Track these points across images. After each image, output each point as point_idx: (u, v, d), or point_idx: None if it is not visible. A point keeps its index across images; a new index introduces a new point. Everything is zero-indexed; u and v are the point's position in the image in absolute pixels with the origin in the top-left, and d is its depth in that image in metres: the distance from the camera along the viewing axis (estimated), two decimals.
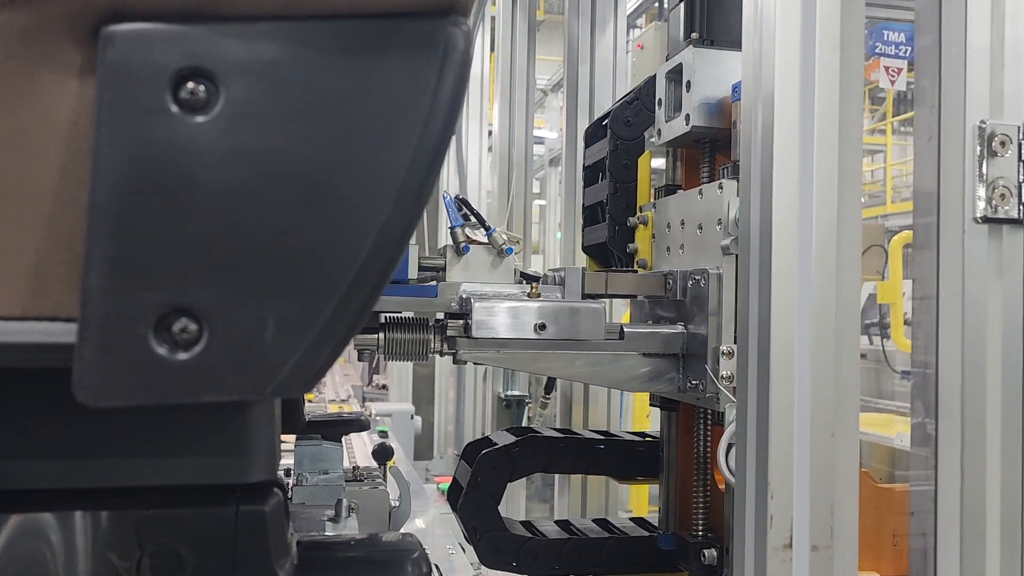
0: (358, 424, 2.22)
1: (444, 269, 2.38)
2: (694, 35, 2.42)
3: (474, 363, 2.33)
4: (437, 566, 2.35)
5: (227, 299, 0.79)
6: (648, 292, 2.49)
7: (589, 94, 4.16)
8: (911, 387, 1.94)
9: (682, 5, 2.52)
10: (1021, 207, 1.82)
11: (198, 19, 0.79)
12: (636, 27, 11.09)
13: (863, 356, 7.16)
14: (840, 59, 1.84)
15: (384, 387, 11.25)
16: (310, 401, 2.26)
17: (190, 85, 0.79)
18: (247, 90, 0.79)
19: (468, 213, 2.47)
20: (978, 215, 1.81)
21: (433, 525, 3.31)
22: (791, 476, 1.85)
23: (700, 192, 2.30)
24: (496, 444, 2.74)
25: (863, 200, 2.17)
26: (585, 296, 2.35)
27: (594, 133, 2.97)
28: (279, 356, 0.80)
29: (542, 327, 2.18)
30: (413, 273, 2.36)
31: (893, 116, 16.31)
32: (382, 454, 2.45)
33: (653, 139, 2.60)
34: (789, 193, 1.85)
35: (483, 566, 2.89)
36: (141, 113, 0.78)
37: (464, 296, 2.27)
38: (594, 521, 2.93)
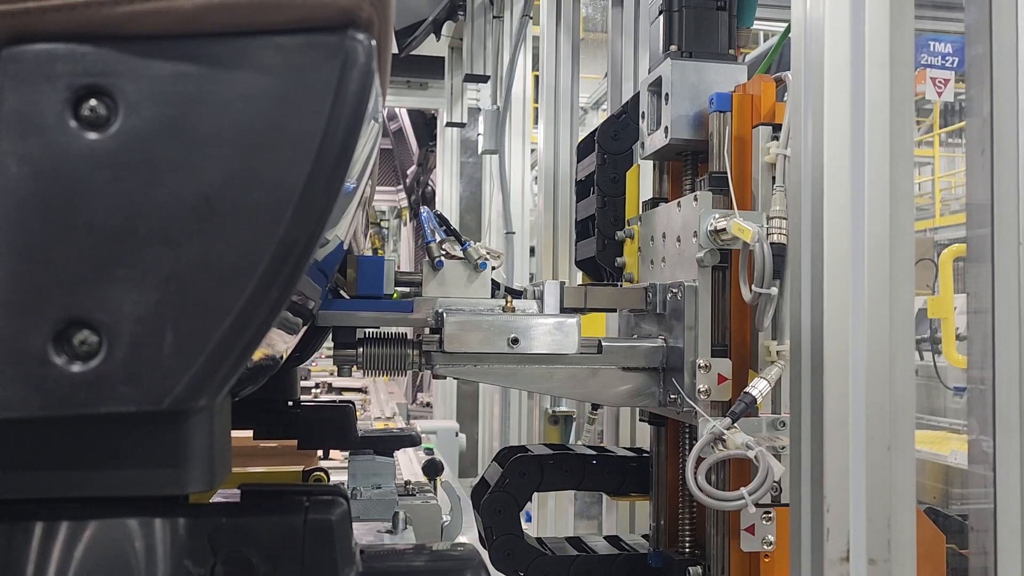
0: (409, 440, 2.17)
1: (421, 284, 2.28)
2: (672, 48, 2.26)
3: (452, 377, 2.23)
4: None
5: (126, 312, 0.75)
6: (628, 305, 2.34)
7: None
8: (967, 403, 1.77)
9: (661, 18, 2.36)
10: None
11: (98, 39, 0.75)
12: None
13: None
14: (890, 75, 1.69)
15: (428, 405, 11.17)
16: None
17: (91, 103, 0.75)
18: (146, 107, 0.75)
19: (447, 228, 2.38)
20: None
21: (478, 541, 3.22)
22: (847, 490, 1.71)
23: (679, 204, 2.15)
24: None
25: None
26: (564, 310, 2.22)
27: (585, 147, 2.85)
28: (177, 368, 0.75)
29: (515, 341, 2.06)
30: (389, 288, 2.26)
31: (940, 128, 15.21)
32: (432, 469, 2.39)
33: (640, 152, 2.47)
34: (841, 208, 1.71)
35: (494, 568, 2.80)
36: (42, 130, 0.74)
37: (439, 311, 2.16)
38: (605, 538, 2.79)
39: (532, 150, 6.66)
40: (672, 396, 2.09)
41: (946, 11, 8.77)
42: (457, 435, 7.54)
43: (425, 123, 12.12)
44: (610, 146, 2.62)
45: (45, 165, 0.74)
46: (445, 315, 2.09)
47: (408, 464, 3.46)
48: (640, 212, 2.54)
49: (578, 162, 2.89)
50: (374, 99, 0.79)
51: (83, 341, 0.74)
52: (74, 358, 0.74)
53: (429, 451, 3.80)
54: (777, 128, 2.06)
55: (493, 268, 2.28)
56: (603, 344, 2.18)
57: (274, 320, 0.77)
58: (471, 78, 7.68)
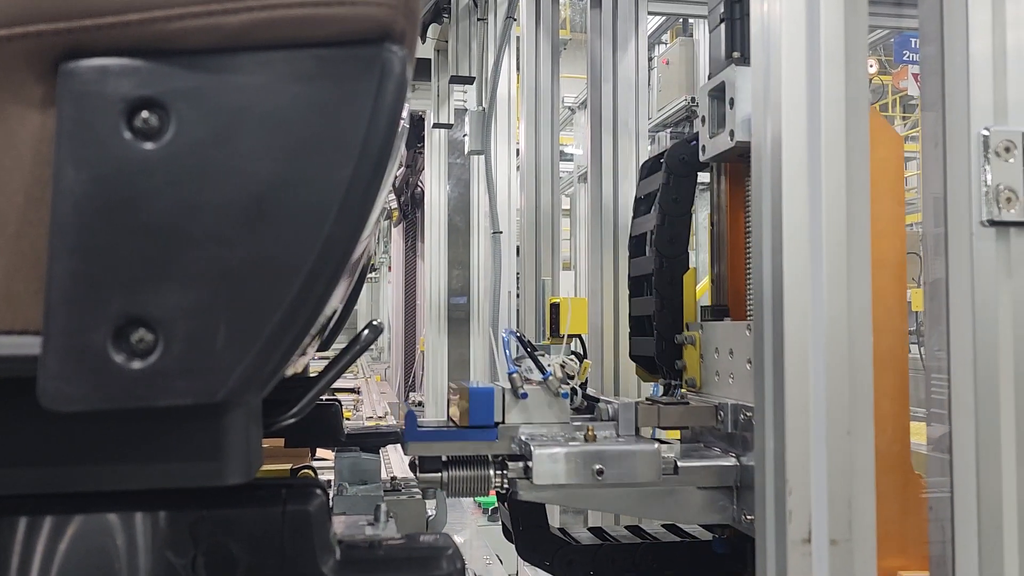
0: (395, 436, 2.23)
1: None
2: (735, 54, 2.43)
3: (532, 501, 2.39)
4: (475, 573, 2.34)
5: (180, 311, 0.81)
6: (701, 423, 2.45)
7: (612, 111, 4.13)
8: (926, 392, 1.88)
9: (723, 26, 2.51)
10: None
11: (150, 54, 0.81)
12: (662, 43, 10.92)
13: None
14: (845, 72, 1.80)
15: (420, 404, 11.20)
16: (348, 419, 2.28)
17: (143, 114, 0.81)
18: (196, 118, 0.81)
19: (526, 354, 2.52)
20: (984, 218, 1.76)
21: (472, 537, 3.30)
22: (808, 473, 1.81)
23: (748, 328, 2.25)
24: None
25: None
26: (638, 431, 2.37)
27: (651, 167, 2.96)
28: (229, 363, 0.81)
29: (600, 472, 2.18)
30: (498, 416, 2.42)
31: None
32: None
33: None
34: (799, 200, 1.82)
35: (520, 559, 2.87)
36: (98, 141, 0.80)
37: (524, 439, 2.30)
38: (627, 528, 2.89)
39: (517, 152, 6.74)
40: (748, 516, 2.17)
41: None
42: None
43: (412, 125, 12.10)
44: (677, 168, 2.71)
45: (101, 173, 0.79)
46: (532, 447, 2.21)
47: (400, 463, 3.50)
48: (699, 318, 2.67)
49: (640, 180, 2.99)
50: (407, 111, 0.86)
51: (140, 339, 0.80)
52: (132, 355, 0.80)
53: None
54: None
55: (574, 391, 2.46)
56: (679, 465, 2.28)
57: (319, 315, 0.84)
58: (457, 79, 7.76)
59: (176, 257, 0.80)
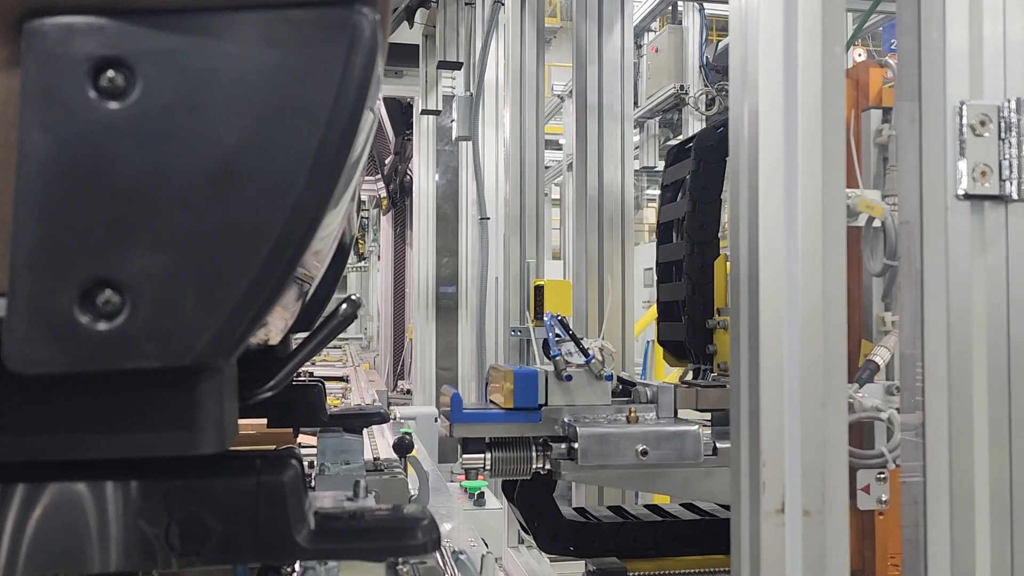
0: (379, 417, 2.22)
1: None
2: None
3: (574, 482, 2.44)
4: (460, 550, 2.36)
5: (147, 273, 0.80)
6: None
7: (598, 95, 4.12)
8: (900, 371, 1.88)
9: None
10: (1001, 183, 1.76)
11: (116, 12, 0.80)
12: (650, 31, 10.87)
13: None
14: (822, 50, 1.80)
15: (408, 392, 11.20)
16: (335, 406, 2.29)
17: (109, 74, 0.79)
18: (162, 78, 0.80)
19: (571, 335, 2.60)
20: (960, 192, 1.76)
21: (457, 520, 3.33)
22: (782, 445, 1.82)
23: None
24: None
25: None
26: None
27: (676, 154, 2.96)
28: (197, 326, 0.81)
29: (644, 453, 2.21)
30: (542, 398, 2.48)
31: None
32: (402, 447, 2.44)
33: None
34: (775, 176, 1.82)
35: (542, 552, 2.90)
36: (63, 101, 0.79)
37: (567, 421, 2.35)
38: (645, 507, 2.92)
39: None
40: None
41: None
42: (436, 420, 7.53)
43: (401, 111, 12.04)
44: (706, 155, 2.72)
45: (67, 133, 0.78)
46: (578, 428, 2.26)
47: (386, 447, 3.51)
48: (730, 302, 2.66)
49: (666, 168, 2.99)
50: (376, 79, 0.85)
51: (107, 301, 0.79)
52: (99, 317, 0.79)
53: (407, 434, 3.84)
54: (888, 111, 2.17)
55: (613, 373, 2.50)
56: (718, 446, 2.35)
57: (288, 281, 0.83)
58: (444, 65, 7.74)
59: (142, 219, 0.80)
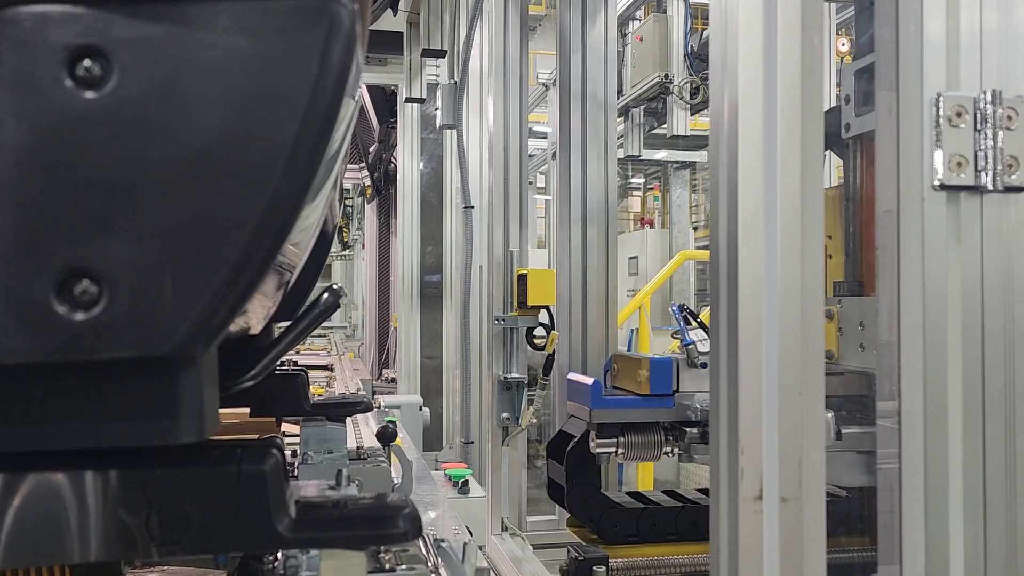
0: (363, 406, 2.21)
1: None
2: None
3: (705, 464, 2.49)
4: (442, 538, 2.35)
5: (124, 263, 0.79)
6: (856, 391, 2.55)
7: (581, 83, 4.11)
8: (878, 356, 1.88)
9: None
10: (977, 174, 1.76)
11: (92, 1, 0.78)
12: (635, 19, 10.83)
13: None
14: (801, 40, 1.79)
15: (393, 380, 11.16)
16: (320, 395, 2.28)
17: (86, 63, 0.78)
18: (139, 67, 0.78)
19: (699, 322, 2.73)
20: (936, 182, 1.76)
21: (442, 508, 3.34)
22: (760, 432, 1.82)
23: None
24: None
25: None
26: None
27: None
28: (175, 316, 0.80)
29: None
30: (675, 385, 2.61)
31: None
32: (385, 435, 2.44)
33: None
34: (754, 164, 1.81)
35: (567, 513, 2.95)
36: (38, 90, 0.77)
37: (699, 407, 2.48)
38: (664, 492, 2.95)
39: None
40: None
41: None
42: (421, 409, 7.51)
43: (385, 99, 11.96)
44: None
45: (42, 123, 0.77)
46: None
47: (370, 436, 3.50)
48: (835, 292, 2.73)
49: None
50: (356, 68, 0.84)
51: (84, 291, 0.78)
52: (76, 307, 0.78)
53: (392, 423, 3.83)
54: None
55: None
56: (842, 431, 2.41)
57: (266, 271, 0.82)
58: (428, 52, 7.69)
59: (119, 209, 0.78)
